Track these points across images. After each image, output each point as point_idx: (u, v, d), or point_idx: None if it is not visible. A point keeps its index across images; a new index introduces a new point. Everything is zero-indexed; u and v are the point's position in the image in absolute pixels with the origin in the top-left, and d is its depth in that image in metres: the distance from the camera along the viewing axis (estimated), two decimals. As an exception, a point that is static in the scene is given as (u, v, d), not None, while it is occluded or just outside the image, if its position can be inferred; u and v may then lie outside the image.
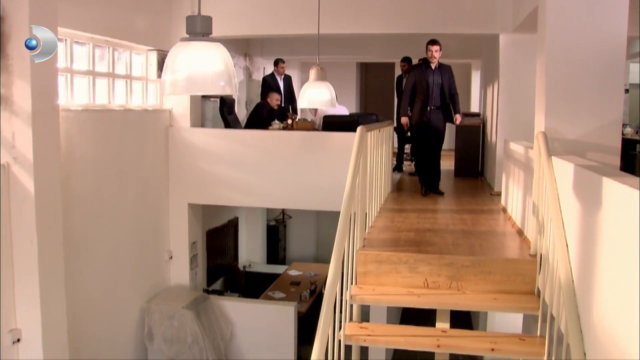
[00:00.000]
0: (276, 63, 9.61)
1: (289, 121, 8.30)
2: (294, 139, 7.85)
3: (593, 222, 2.71)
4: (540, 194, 3.70)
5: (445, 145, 7.39)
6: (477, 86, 11.61)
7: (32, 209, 4.78)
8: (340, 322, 3.51)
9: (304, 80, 13.48)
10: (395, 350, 7.44)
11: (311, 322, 8.98)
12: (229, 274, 9.83)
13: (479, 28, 7.20)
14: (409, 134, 9.44)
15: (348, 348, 3.65)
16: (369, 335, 3.70)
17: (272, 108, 8.61)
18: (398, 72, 11.63)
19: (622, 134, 5.11)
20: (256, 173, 7.67)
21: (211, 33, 3.04)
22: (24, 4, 4.58)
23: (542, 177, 3.63)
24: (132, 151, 7.03)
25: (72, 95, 6.02)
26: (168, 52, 8.03)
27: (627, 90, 9.45)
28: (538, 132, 3.89)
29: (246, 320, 7.84)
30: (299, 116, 9.60)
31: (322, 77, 6.07)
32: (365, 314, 5.43)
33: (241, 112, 10.43)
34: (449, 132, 8.75)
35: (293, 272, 10.56)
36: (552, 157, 3.54)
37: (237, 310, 7.89)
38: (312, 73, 6.06)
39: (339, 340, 3.43)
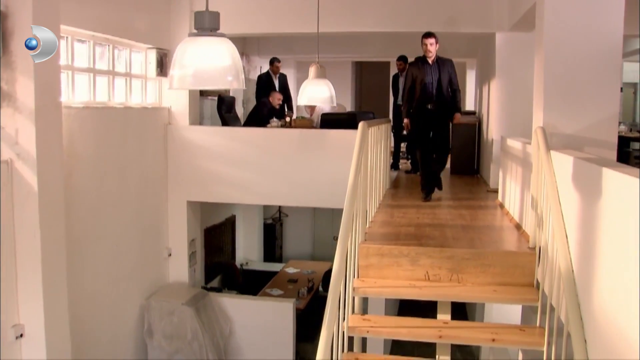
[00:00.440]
0: (272, 62, 9.66)
1: (287, 119, 8.35)
2: (292, 136, 7.91)
3: (592, 212, 2.78)
4: (539, 187, 3.78)
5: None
6: (472, 85, 11.71)
7: (35, 205, 4.82)
8: (344, 314, 3.57)
9: (299, 79, 13.56)
10: (393, 342, 7.52)
11: (309, 318, 9.09)
12: (226, 271, 9.87)
13: (475, 27, 7.28)
14: (404, 132, 9.57)
15: (349, 340, 3.72)
16: (372, 326, 3.77)
17: (273, 107, 8.66)
18: (393, 71, 11.73)
19: (617, 131, 5.20)
20: (255, 170, 7.72)
21: (219, 28, 3.09)
22: (27, 2, 4.62)
23: (540, 171, 3.71)
24: (132, 149, 7.07)
25: (73, 92, 6.06)
26: (167, 50, 8.13)
27: (620, 89, 9.56)
28: (537, 127, 3.97)
29: (245, 317, 7.89)
30: (294, 115, 9.66)
31: (321, 74, 6.14)
32: (363, 307, 5.50)
33: (238, 111, 10.45)
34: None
35: (290, 270, 10.61)
36: (551, 151, 3.62)
37: (236, 307, 7.94)
38: (312, 70, 6.13)
39: (343, 332, 3.48)
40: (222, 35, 3.06)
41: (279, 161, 7.72)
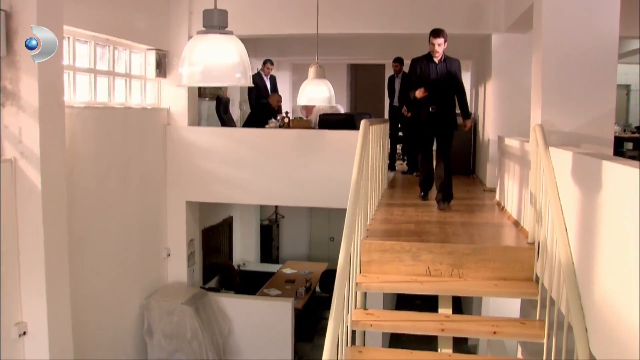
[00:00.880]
0: (264, 63, 9.74)
1: (285, 120, 8.41)
2: (290, 137, 7.98)
3: (592, 204, 2.86)
4: (538, 183, 3.85)
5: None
6: (468, 86, 11.80)
7: (38, 203, 4.86)
8: (348, 308, 3.63)
9: (295, 81, 13.64)
10: (391, 338, 7.59)
11: (307, 318, 9.14)
12: (224, 272, 9.90)
13: (471, 28, 7.37)
14: (400, 134, 9.65)
15: (352, 334, 3.77)
16: (375, 320, 3.83)
17: (272, 108, 8.72)
18: (388, 73, 11.82)
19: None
20: (253, 171, 7.77)
21: (227, 26, 3.15)
22: (32, 2, 4.67)
23: (539, 167, 3.79)
24: (132, 149, 7.11)
25: (75, 92, 6.10)
26: (166, 51, 8.18)
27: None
28: (535, 124, 4.05)
29: (244, 317, 7.94)
30: (284, 114, 9.72)
31: (320, 74, 6.21)
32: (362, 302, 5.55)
33: (235, 113, 10.51)
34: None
35: (287, 271, 10.66)
36: (550, 147, 3.70)
37: (235, 306, 7.99)
38: (311, 71, 6.20)
39: (347, 326, 3.54)
40: (230, 32, 3.13)
41: (277, 161, 7.78)
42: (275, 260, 12.14)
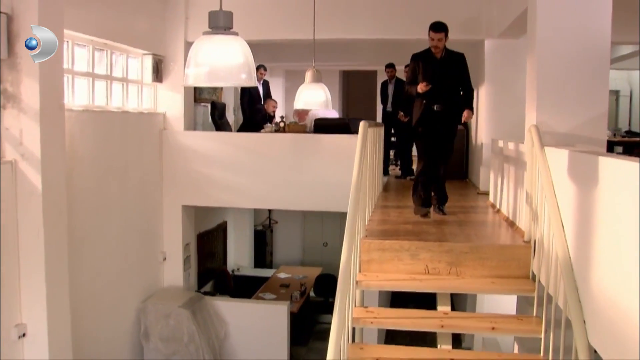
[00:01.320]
0: (257, 68, 9.78)
1: (281, 124, 8.48)
2: (286, 141, 8.04)
3: (589, 200, 2.95)
4: (534, 182, 3.95)
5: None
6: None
7: (39, 205, 4.88)
8: (349, 306, 3.68)
9: (288, 88, 13.73)
10: (387, 335, 7.64)
11: (302, 322, 9.18)
12: (218, 277, 9.92)
13: (465, 34, 7.48)
14: (393, 139, 9.74)
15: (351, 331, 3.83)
16: (375, 317, 3.89)
17: (267, 113, 8.78)
18: (380, 79, 11.93)
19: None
20: (249, 175, 7.83)
21: (232, 27, 3.22)
22: (34, 5, 4.72)
23: (535, 167, 3.88)
24: (129, 153, 7.14)
25: (73, 95, 6.13)
26: (163, 56, 8.24)
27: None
28: (530, 125, 4.15)
29: (240, 320, 7.96)
30: (279, 119, 9.78)
31: (317, 79, 6.28)
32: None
33: (229, 118, 10.56)
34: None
35: (282, 275, 10.71)
36: (545, 147, 3.79)
37: (231, 310, 8.01)
38: (308, 75, 6.28)
39: (348, 324, 3.60)
40: (235, 34, 3.19)
41: (273, 165, 7.84)
42: (269, 266, 12.17)
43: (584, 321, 2.88)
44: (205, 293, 8.94)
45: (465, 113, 5.23)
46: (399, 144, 9.43)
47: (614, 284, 2.63)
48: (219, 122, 8.90)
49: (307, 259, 12.49)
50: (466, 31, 7.47)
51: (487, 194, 6.78)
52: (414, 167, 6.88)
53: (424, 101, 5.19)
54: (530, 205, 4.07)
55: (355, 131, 8.02)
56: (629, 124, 11.21)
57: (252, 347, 7.91)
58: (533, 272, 4.01)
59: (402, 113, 8.44)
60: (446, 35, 5.18)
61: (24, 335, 4.97)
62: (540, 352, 3.60)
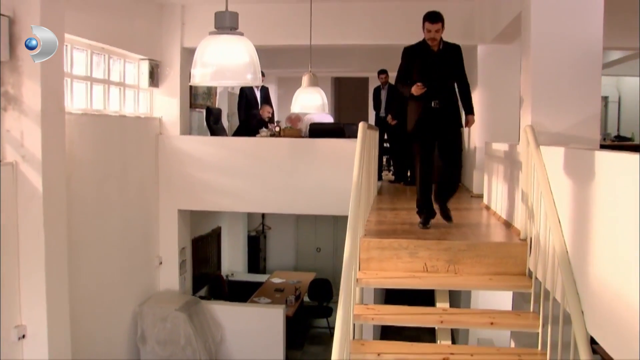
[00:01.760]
0: None
1: (277, 129, 8.55)
2: (281, 145, 8.10)
3: (585, 194, 3.04)
4: (529, 181, 4.04)
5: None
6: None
7: (39, 206, 4.92)
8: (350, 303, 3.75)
9: (281, 94, 13.83)
10: (382, 332, 7.68)
11: (297, 326, 9.21)
12: (213, 282, 9.95)
13: (458, 40, 7.53)
14: (386, 145, 9.83)
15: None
16: (376, 314, 3.97)
17: (262, 119, 8.84)
18: (372, 85, 12.04)
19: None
20: (245, 179, 7.88)
21: (237, 27, 3.29)
22: (36, 8, 4.77)
23: (530, 166, 3.98)
24: (126, 157, 7.18)
25: (72, 99, 6.17)
26: (159, 61, 8.29)
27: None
28: (526, 125, 4.25)
29: (236, 324, 7.99)
30: (275, 123, 9.85)
31: (314, 83, 6.37)
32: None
33: (224, 124, 10.62)
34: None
35: (276, 280, 10.74)
36: (540, 146, 3.89)
37: (227, 313, 8.04)
38: (305, 79, 6.36)
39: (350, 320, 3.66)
40: (241, 34, 3.26)
41: (268, 169, 7.90)
42: (263, 271, 12.21)
43: (582, 312, 2.97)
44: (201, 298, 8.96)
45: (469, 120, 5.00)
46: (392, 149, 9.52)
47: (612, 274, 2.72)
48: (214, 127, 8.96)
49: (301, 264, 12.54)
50: (459, 37, 7.51)
51: (480, 196, 6.88)
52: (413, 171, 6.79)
53: (421, 99, 4.76)
54: (526, 203, 4.17)
55: (349, 136, 8.17)
56: (618, 129, 11.41)
57: (248, 350, 7.93)
58: (529, 269, 4.10)
59: (390, 116, 8.55)
60: (443, 26, 4.77)
61: (23, 336, 4.99)
62: (537, 348, 3.68)
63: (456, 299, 8.84)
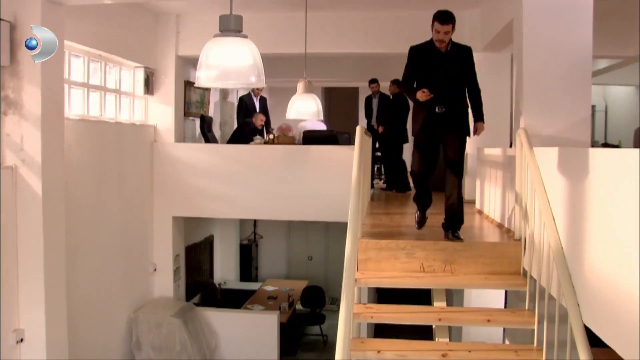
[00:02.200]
0: None
1: (271, 136, 8.63)
2: (275, 152, 8.19)
3: (579, 191, 3.15)
4: (523, 182, 4.15)
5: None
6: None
7: (39, 210, 4.95)
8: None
9: (272, 105, 13.88)
10: (375, 331, 7.73)
11: (291, 333, 9.23)
12: (205, 290, 9.95)
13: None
14: (378, 154, 9.93)
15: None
16: (375, 312, 4.04)
17: (255, 127, 8.92)
18: (362, 95, 12.15)
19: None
20: (239, 186, 7.95)
21: (242, 30, 3.38)
22: (36, 13, 4.83)
23: (524, 166, 4.09)
24: (121, 163, 7.23)
25: (69, 105, 6.22)
26: (154, 69, 8.36)
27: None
28: (519, 129, 4.37)
29: (231, 330, 8.02)
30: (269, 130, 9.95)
31: (309, 90, 6.47)
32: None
33: (215, 133, 10.69)
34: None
35: (269, 288, 10.78)
36: (534, 148, 4.01)
37: (222, 320, 8.07)
38: (300, 86, 6.46)
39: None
40: (245, 36, 3.35)
41: (262, 176, 7.98)
42: (255, 279, 12.25)
43: (578, 305, 3.06)
44: (195, 304, 8.97)
45: (478, 127, 4.64)
46: (384, 157, 9.63)
47: (606, 266, 2.81)
48: (208, 135, 9.03)
49: (292, 273, 12.59)
50: (450, 46, 7.72)
51: (472, 202, 6.98)
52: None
53: (425, 104, 4.43)
54: (520, 203, 4.27)
55: (341, 144, 8.28)
56: (605, 138, 11.62)
57: (243, 356, 7.95)
58: (524, 268, 4.20)
59: (375, 122, 8.67)
60: (454, 27, 4.40)
61: (21, 340, 5.00)
62: (532, 344, 3.77)
63: (449, 299, 8.93)
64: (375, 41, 7.89)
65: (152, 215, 8.01)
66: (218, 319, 8.07)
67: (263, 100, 10.06)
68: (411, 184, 8.18)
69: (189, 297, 9.12)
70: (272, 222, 11.99)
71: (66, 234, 5.67)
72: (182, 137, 8.50)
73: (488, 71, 7.59)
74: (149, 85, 7.81)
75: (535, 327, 3.73)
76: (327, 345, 9.74)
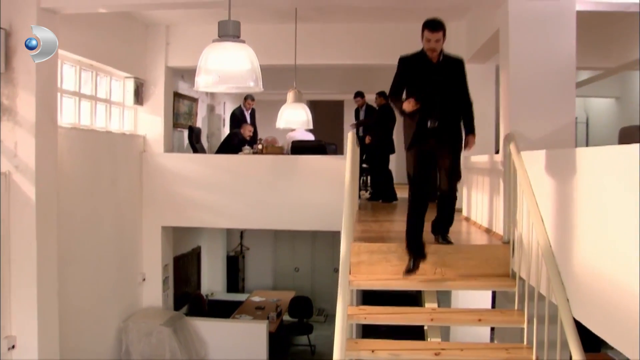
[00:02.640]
0: (245, 98, 10.05)
1: (259, 146, 8.71)
2: (264, 162, 8.25)
3: (567, 190, 3.27)
4: (511, 185, 4.27)
5: (400, 176, 7.63)
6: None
7: (32, 216, 4.97)
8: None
9: (258, 117, 13.98)
10: (364, 332, 7.78)
11: (279, 342, 9.24)
12: (193, 300, 9.94)
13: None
14: (364, 165, 10.03)
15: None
16: (368, 314, 4.11)
17: (244, 138, 9.00)
18: (347, 108, 12.24)
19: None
20: (228, 196, 7.99)
21: (239, 36, 3.48)
22: (32, 21, 4.88)
23: (511, 169, 4.21)
24: (112, 172, 7.25)
25: (61, 113, 6.25)
26: (144, 80, 8.42)
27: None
28: (506, 133, 4.50)
29: (220, 340, 8.02)
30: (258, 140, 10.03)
31: (299, 99, 6.57)
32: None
33: (203, 144, 10.74)
34: (399, 158, 9.29)
35: (256, 299, 10.79)
36: (521, 151, 4.14)
37: (211, 329, 8.07)
38: (290, 95, 6.56)
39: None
40: (242, 41, 3.45)
41: (251, 186, 8.03)
42: (242, 291, 12.24)
43: (567, 300, 3.17)
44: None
45: (469, 141, 4.50)
46: (371, 168, 9.73)
47: (595, 260, 2.92)
48: (197, 146, 9.10)
49: (279, 284, 12.61)
50: (436, 57, 7.88)
51: (460, 210, 7.10)
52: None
53: (416, 117, 4.24)
54: (508, 207, 4.39)
55: (329, 154, 8.38)
56: (586, 149, 11.80)
57: (232, 366, 7.96)
58: (513, 270, 4.31)
59: (363, 133, 8.78)
60: (444, 36, 4.27)
61: (13, 347, 4.99)
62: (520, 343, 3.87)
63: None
64: (364, 53, 8.03)
65: (142, 225, 8.02)
66: (207, 328, 8.07)
67: (252, 113, 10.17)
68: (397, 195, 8.33)
69: (176, 308, 9.10)
70: (258, 234, 12.03)
71: (58, 242, 5.69)
72: (171, 147, 8.54)
73: (473, 82, 7.75)
74: (139, 96, 7.87)
75: (525, 326, 3.83)
76: (315, 354, 9.76)
